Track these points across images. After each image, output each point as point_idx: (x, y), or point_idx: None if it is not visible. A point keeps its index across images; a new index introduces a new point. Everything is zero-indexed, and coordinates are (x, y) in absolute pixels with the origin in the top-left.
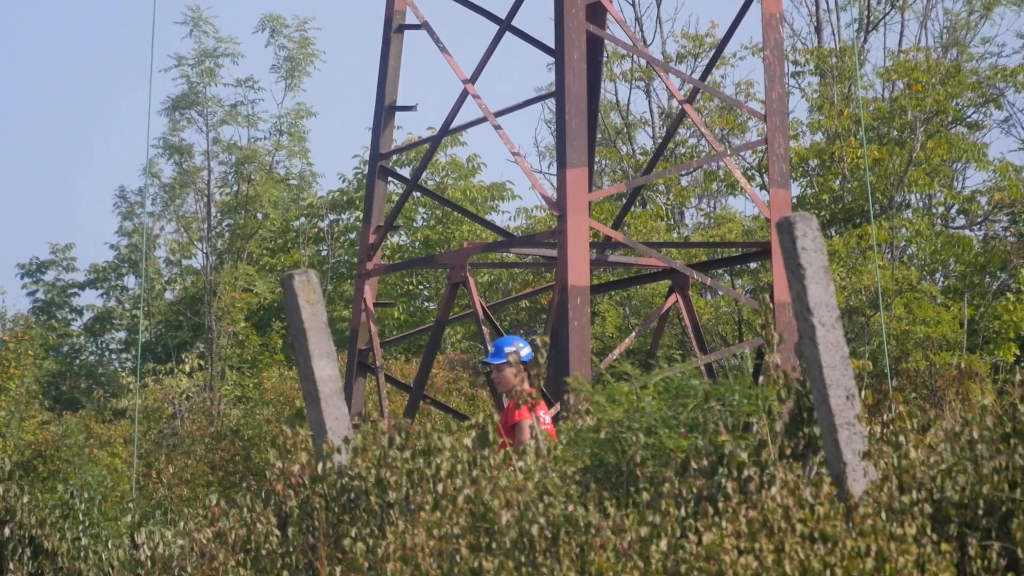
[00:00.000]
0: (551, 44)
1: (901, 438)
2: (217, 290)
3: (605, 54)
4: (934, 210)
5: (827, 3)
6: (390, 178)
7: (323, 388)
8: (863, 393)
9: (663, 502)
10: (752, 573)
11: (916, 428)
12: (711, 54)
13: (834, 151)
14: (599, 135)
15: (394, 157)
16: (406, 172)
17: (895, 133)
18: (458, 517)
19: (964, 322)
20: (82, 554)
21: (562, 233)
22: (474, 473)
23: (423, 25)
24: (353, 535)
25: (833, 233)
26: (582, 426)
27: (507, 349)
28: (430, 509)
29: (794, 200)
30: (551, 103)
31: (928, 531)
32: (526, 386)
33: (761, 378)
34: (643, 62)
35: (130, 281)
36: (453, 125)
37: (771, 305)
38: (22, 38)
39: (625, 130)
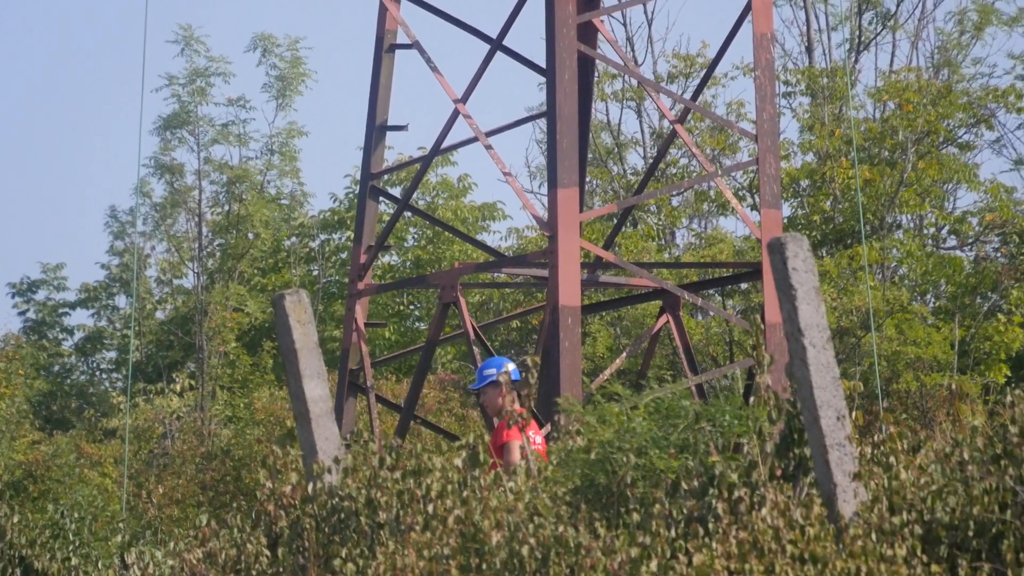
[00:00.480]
0: (542, 64)
1: (892, 459)
2: (208, 310)
3: (596, 74)
4: (925, 231)
5: (818, 23)
6: (381, 198)
7: (314, 408)
8: (854, 414)
9: (653, 523)
10: None
11: (907, 449)
12: (702, 74)
13: (825, 171)
14: (590, 155)
15: (385, 177)
16: (397, 192)
17: (886, 154)
18: (448, 538)
19: (955, 343)
20: (72, 574)
21: (553, 253)
22: (464, 494)
23: (414, 45)
24: (343, 556)
25: (824, 254)
26: (573, 446)
27: (486, 372)
28: (420, 530)
29: (785, 221)
30: (542, 123)
31: (918, 552)
32: (516, 406)
33: (752, 399)
34: (634, 82)
35: (121, 301)
36: (444, 145)
37: (762, 326)
38: (12, 56)
39: (616, 150)
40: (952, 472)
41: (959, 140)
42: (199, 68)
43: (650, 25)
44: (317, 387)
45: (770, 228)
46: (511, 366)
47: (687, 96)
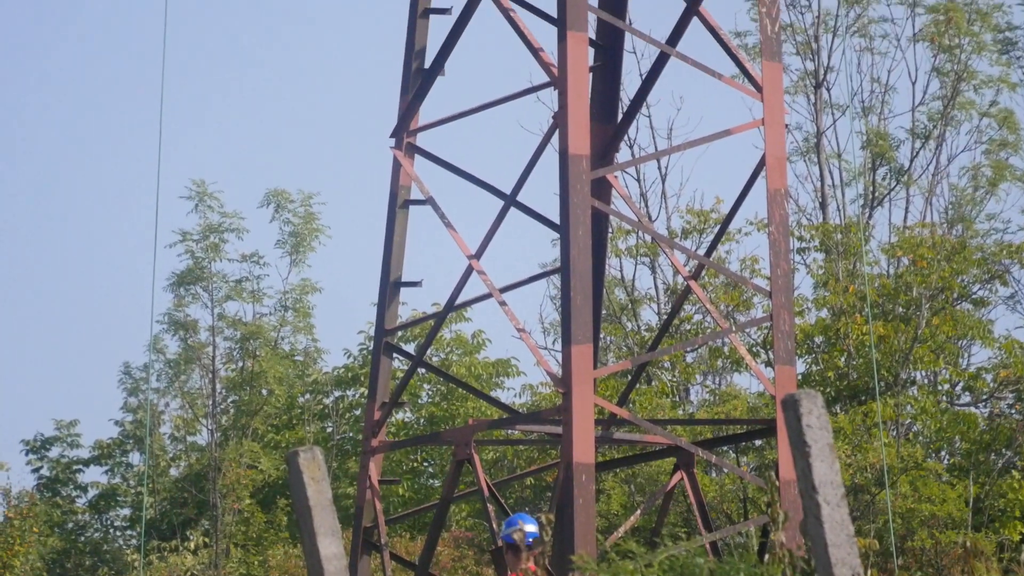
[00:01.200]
0: (556, 219)
1: None
2: (222, 467)
3: (610, 229)
4: (939, 387)
5: (832, 179)
6: (395, 354)
7: (328, 566)
8: (869, 572)
9: None
10: None
11: None
12: (716, 230)
13: (839, 328)
14: (604, 311)
15: (399, 333)
16: (411, 348)
17: (900, 310)
18: None
19: (970, 500)
20: None
21: (567, 410)
22: None
23: (428, 200)
24: None
25: (838, 410)
26: None
27: (505, 530)
28: None
29: (799, 377)
30: (556, 278)
31: None
32: (530, 564)
33: (766, 556)
34: (648, 238)
35: (135, 458)
36: (458, 300)
37: (776, 483)
38: (26, 214)
39: (630, 306)
40: None
41: (973, 296)
42: (212, 224)
43: (664, 180)
44: (331, 545)
45: (784, 384)
46: (531, 527)
47: (701, 252)
